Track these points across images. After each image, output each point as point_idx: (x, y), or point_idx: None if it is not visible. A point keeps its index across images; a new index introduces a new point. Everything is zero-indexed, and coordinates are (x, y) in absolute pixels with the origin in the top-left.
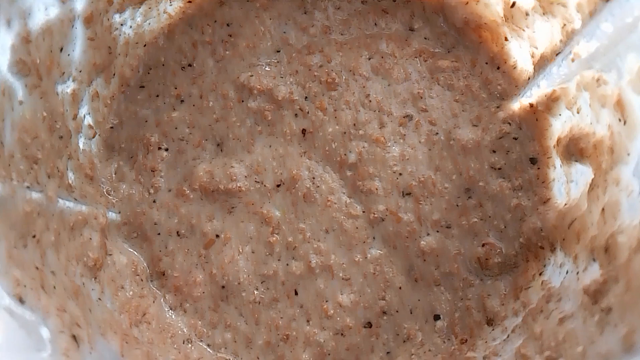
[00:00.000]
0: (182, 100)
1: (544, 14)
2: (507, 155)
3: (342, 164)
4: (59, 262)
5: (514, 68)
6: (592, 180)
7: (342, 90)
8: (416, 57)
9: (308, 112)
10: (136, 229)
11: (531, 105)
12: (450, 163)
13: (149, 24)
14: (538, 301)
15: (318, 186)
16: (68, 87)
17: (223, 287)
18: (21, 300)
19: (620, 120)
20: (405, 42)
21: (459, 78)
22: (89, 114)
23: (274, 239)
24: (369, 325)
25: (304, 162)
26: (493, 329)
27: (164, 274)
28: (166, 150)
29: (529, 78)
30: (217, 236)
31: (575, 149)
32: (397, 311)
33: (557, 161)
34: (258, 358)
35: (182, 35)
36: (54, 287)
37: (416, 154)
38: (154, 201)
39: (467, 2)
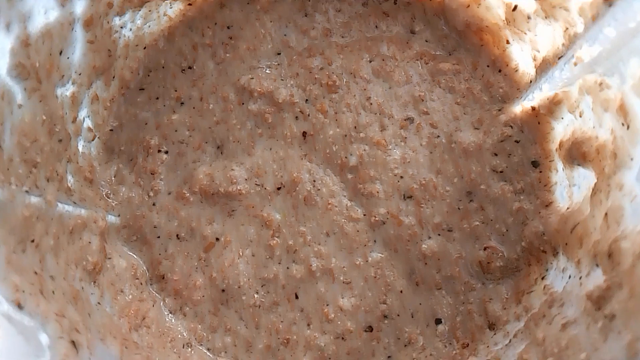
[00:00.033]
0: (182, 103)
1: (546, 17)
2: (509, 158)
3: (342, 166)
4: (58, 266)
5: (516, 71)
6: (595, 184)
7: (342, 93)
8: (417, 60)
9: (309, 115)
10: (136, 232)
11: (533, 108)
12: (452, 166)
13: (149, 26)
14: (540, 306)
15: (319, 189)
16: (67, 90)
17: (223, 290)
18: (20, 306)
19: (623, 124)
20: (406, 44)
21: (460, 81)
22: (89, 116)
23: (275, 242)
24: (370, 329)
25: (304, 165)
26: (495, 334)
27: (163, 278)
28: (166, 152)
29: (530, 81)
30: (217, 239)
31: (577, 153)
32: (398, 315)
33: (559, 165)
34: None
35: (182, 37)
36: (53, 292)
37: (417, 157)
38: (154, 204)
39: (469, 5)
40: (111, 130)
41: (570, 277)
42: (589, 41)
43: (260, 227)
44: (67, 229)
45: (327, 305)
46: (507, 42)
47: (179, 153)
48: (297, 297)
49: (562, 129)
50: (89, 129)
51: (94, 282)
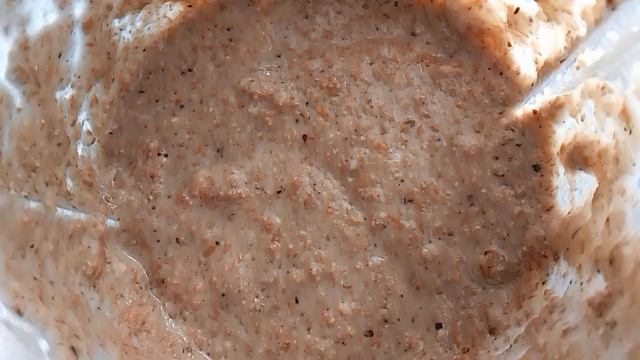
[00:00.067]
0: (182, 106)
1: (548, 20)
2: (510, 162)
3: (343, 170)
4: (57, 271)
5: (517, 74)
6: (597, 189)
7: (343, 96)
8: (418, 62)
9: (309, 118)
10: (135, 236)
11: (534, 111)
12: (453, 169)
13: (149, 28)
14: (541, 311)
15: (319, 193)
16: (67, 93)
17: (223, 294)
18: (19, 312)
19: (625, 129)
20: (407, 47)
21: (461, 84)
22: (88, 119)
23: (275, 246)
24: (370, 333)
25: (304, 168)
26: (495, 339)
27: (163, 282)
28: (166, 156)
29: (532, 84)
30: (217, 243)
31: (579, 157)
32: (398, 319)
33: (561, 169)
34: None
35: (182, 39)
36: (53, 298)
37: (418, 160)
38: (154, 208)
39: (470, 7)
40: (110, 133)
41: (571, 282)
42: (591, 45)
43: (260, 231)
44: (67, 234)
45: (328, 309)
46: (509, 44)
47: (179, 156)
48: (297, 301)
49: (563, 133)
50: (89, 132)
51: (94, 286)
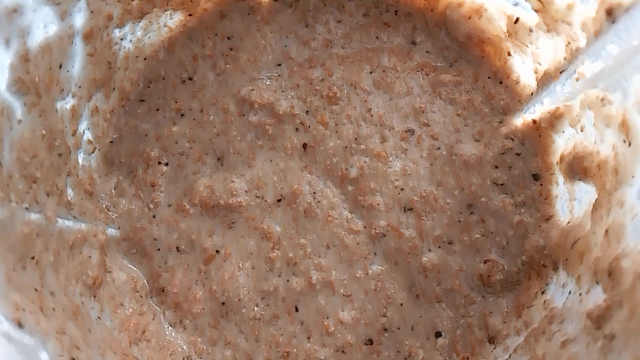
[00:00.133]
0: (182, 114)
1: (548, 31)
2: (510, 171)
3: (343, 178)
4: (58, 282)
5: (517, 83)
6: (596, 200)
7: (343, 105)
8: (418, 71)
9: (309, 127)
10: (136, 245)
11: (534, 121)
12: (452, 178)
13: (149, 37)
14: (540, 321)
15: (319, 201)
16: (67, 104)
17: (223, 303)
18: (20, 325)
19: (624, 141)
20: (407, 55)
21: (461, 92)
22: (89, 129)
23: (275, 254)
24: (370, 342)
25: (304, 177)
26: (495, 348)
27: (163, 290)
28: (166, 164)
29: (532, 94)
30: (217, 252)
31: (578, 168)
32: (398, 328)
33: (560, 178)
34: None
35: (182, 48)
36: (54, 309)
37: (418, 169)
38: (154, 216)
39: (470, 17)
40: (111, 142)
41: (570, 292)
42: (591, 57)
43: (260, 240)
44: (67, 244)
45: (327, 318)
46: (509, 54)
47: (179, 165)
48: (297, 309)
49: (563, 143)
50: (89, 142)
51: (94, 296)
